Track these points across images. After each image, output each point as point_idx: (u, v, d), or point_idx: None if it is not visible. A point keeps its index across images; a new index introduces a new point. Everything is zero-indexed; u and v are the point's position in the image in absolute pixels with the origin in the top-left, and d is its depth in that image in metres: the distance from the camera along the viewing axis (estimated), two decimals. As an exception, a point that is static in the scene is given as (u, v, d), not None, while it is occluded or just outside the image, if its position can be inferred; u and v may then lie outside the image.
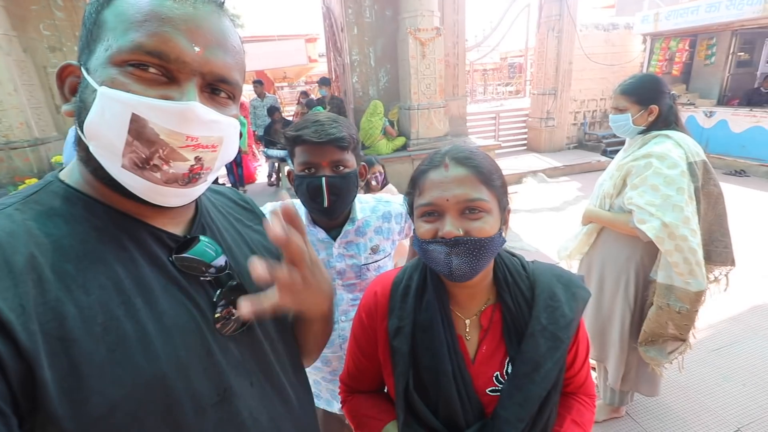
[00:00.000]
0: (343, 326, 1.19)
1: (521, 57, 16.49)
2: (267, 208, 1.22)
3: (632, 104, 1.65)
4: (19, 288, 0.42)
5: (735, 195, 5.28)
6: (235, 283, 0.60)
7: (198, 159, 0.51)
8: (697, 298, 1.56)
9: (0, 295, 0.40)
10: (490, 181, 0.72)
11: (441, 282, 0.82)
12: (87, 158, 0.51)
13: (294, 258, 0.52)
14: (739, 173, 6.52)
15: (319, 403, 1.30)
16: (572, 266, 2.06)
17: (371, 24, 5.85)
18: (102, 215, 0.51)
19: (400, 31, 5.67)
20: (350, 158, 1.08)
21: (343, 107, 6.08)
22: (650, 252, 1.65)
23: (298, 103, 7.64)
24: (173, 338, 0.50)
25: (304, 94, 7.97)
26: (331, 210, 1.08)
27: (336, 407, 1.29)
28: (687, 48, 7.74)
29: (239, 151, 6.44)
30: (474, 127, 8.23)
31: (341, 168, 1.06)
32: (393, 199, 1.27)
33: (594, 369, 2.04)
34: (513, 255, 0.88)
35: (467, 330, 0.82)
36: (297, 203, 1.21)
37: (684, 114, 5.24)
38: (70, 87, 0.52)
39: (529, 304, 0.79)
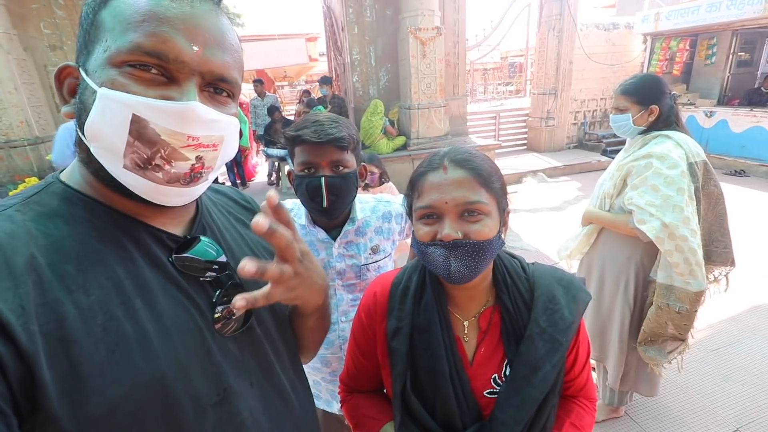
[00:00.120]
0: (343, 327, 1.19)
1: (522, 56, 16.46)
2: (267, 208, 1.22)
3: (633, 104, 1.65)
4: (20, 289, 0.42)
5: (735, 195, 5.28)
6: (235, 282, 0.60)
7: (199, 158, 0.51)
8: (697, 298, 1.56)
9: (0, 296, 0.40)
10: (489, 183, 0.72)
11: (440, 283, 0.82)
12: (88, 159, 0.51)
13: (282, 251, 0.51)
14: (739, 173, 6.52)
15: (319, 404, 1.30)
16: (572, 266, 2.06)
17: (372, 23, 5.85)
18: (102, 216, 0.51)
19: (400, 30, 5.67)
20: (350, 158, 1.08)
21: (344, 106, 6.08)
22: (650, 252, 1.65)
23: (299, 102, 7.63)
24: (172, 338, 0.50)
25: (306, 92, 7.95)
26: (330, 210, 1.08)
27: (336, 408, 1.29)
28: (687, 48, 7.73)
29: (240, 149, 6.45)
30: (474, 127, 8.23)
31: (341, 168, 1.06)
32: (393, 199, 1.27)
33: (593, 369, 2.04)
34: (513, 257, 0.87)
35: (466, 331, 0.82)
36: (297, 203, 1.21)
37: (684, 114, 5.24)
38: (69, 88, 0.52)
39: (528, 306, 0.79)
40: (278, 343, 0.67)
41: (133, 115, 0.46)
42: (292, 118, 7.82)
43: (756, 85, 7.34)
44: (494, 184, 0.73)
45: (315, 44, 14.30)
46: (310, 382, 0.82)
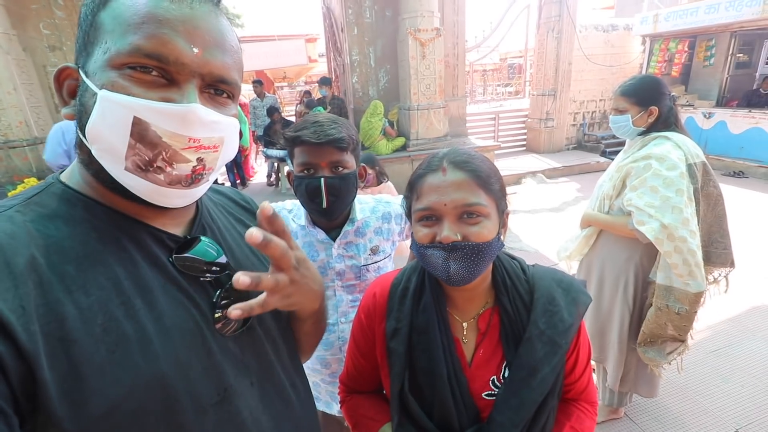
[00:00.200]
0: (343, 328, 1.19)
1: (521, 58, 16.49)
2: (266, 209, 1.22)
3: (632, 105, 1.65)
4: (20, 289, 0.42)
5: (734, 196, 5.29)
6: None
7: (200, 160, 0.51)
8: (696, 299, 1.56)
9: (0, 296, 0.40)
10: (489, 185, 0.72)
11: (439, 284, 0.82)
12: (89, 161, 0.51)
13: (277, 260, 0.51)
14: (738, 174, 6.53)
15: (319, 406, 1.30)
16: (572, 267, 2.06)
17: (371, 24, 5.85)
18: (102, 216, 0.51)
19: (400, 31, 5.68)
20: (349, 159, 1.08)
21: (343, 107, 6.08)
22: (649, 253, 1.66)
23: (300, 103, 7.63)
24: (173, 338, 0.50)
25: (307, 93, 7.95)
26: (329, 211, 1.08)
27: (335, 409, 1.29)
28: (686, 49, 7.76)
29: (240, 149, 6.46)
30: (473, 128, 8.24)
31: (340, 169, 1.06)
32: (393, 200, 1.27)
33: (593, 370, 2.04)
34: (513, 258, 0.87)
35: (464, 333, 0.81)
36: (297, 204, 1.21)
37: (683, 115, 5.25)
38: (69, 90, 0.52)
39: (527, 308, 0.79)
40: (279, 342, 0.67)
41: (134, 117, 0.46)
42: (291, 118, 7.82)
43: (755, 87, 7.37)
44: (493, 186, 0.73)
45: (314, 45, 14.32)
46: (310, 384, 0.82)
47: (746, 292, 3.12)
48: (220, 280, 0.59)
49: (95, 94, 0.46)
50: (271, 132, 6.46)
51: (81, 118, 0.49)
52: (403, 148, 5.92)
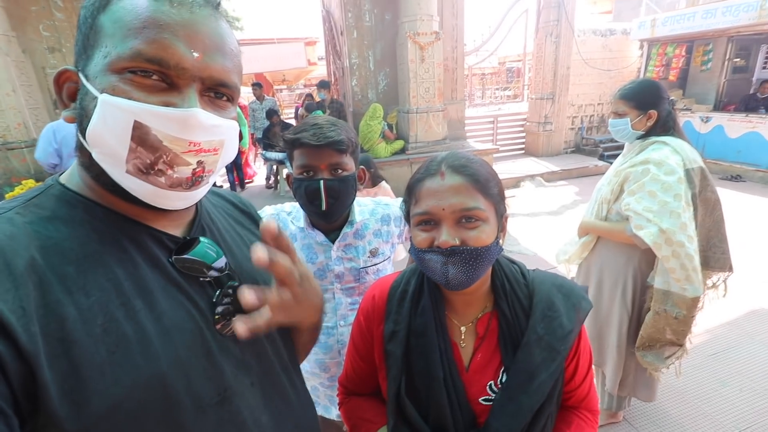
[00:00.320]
0: (342, 331, 1.19)
1: (519, 62, 16.56)
2: (266, 212, 1.22)
3: (631, 109, 1.65)
4: (20, 290, 0.42)
5: (731, 200, 5.31)
6: (235, 283, 0.61)
7: (200, 163, 0.51)
8: (694, 304, 1.56)
9: (1, 298, 0.40)
10: (487, 189, 0.72)
11: (437, 288, 0.82)
12: (89, 164, 0.51)
13: (283, 279, 0.53)
14: (736, 178, 6.56)
15: (317, 410, 1.29)
16: (570, 270, 2.06)
17: (371, 28, 5.87)
18: (102, 218, 0.52)
19: (399, 35, 5.70)
20: (349, 161, 1.08)
21: (342, 110, 6.09)
22: (648, 257, 1.66)
23: (302, 106, 7.62)
24: (173, 339, 0.51)
25: (309, 96, 7.94)
26: (329, 213, 1.08)
27: (334, 413, 1.28)
28: (683, 54, 7.81)
29: (240, 151, 6.47)
30: (472, 131, 8.25)
31: (340, 171, 1.06)
32: (392, 202, 1.27)
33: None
34: (513, 262, 0.86)
35: (462, 337, 0.81)
36: (296, 206, 1.21)
37: (681, 119, 5.26)
38: (68, 92, 0.52)
39: (526, 313, 0.78)
40: (278, 342, 0.67)
41: (135, 121, 0.46)
42: (290, 121, 7.82)
43: (752, 91, 7.41)
44: (492, 190, 0.73)
45: (314, 48, 14.36)
46: (309, 388, 0.82)
47: (745, 295, 3.13)
48: (219, 280, 0.59)
49: (96, 97, 0.46)
50: (270, 134, 6.47)
51: (81, 122, 0.49)
52: (402, 151, 5.92)
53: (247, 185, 7.31)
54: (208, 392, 0.53)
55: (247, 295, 0.48)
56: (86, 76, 0.48)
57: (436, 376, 0.76)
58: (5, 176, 4.83)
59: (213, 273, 0.59)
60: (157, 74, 0.47)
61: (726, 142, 6.90)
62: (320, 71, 13.68)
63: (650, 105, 1.63)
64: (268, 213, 1.22)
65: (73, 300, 0.45)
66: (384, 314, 0.84)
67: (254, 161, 8.38)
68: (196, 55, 0.48)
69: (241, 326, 0.49)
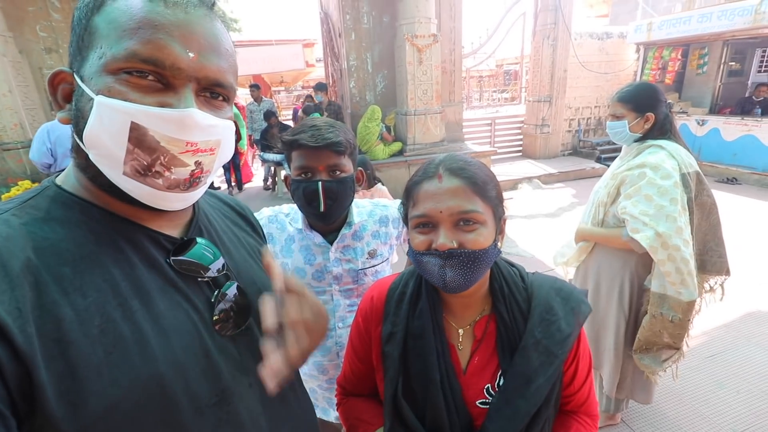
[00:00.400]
0: (340, 333, 1.18)
1: (517, 64, 16.64)
2: (263, 214, 1.22)
3: (629, 111, 1.66)
4: (16, 291, 0.42)
5: (727, 203, 5.34)
6: (233, 284, 0.61)
7: (198, 163, 0.51)
8: (689, 307, 1.57)
9: None
10: (485, 192, 0.71)
11: (435, 290, 0.82)
12: (86, 165, 0.51)
13: (296, 327, 0.55)
14: (731, 181, 6.61)
15: (316, 412, 1.29)
16: (568, 272, 2.06)
17: (369, 30, 5.88)
18: (99, 219, 0.51)
19: (397, 37, 5.71)
20: (347, 163, 1.08)
21: (340, 112, 6.09)
22: (645, 261, 1.66)
23: (300, 108, 7.60)
24: (170, 339, 0.50)
25: (309, 97, 7.93)
26: (327, 214, 1.07)
27: (332, 416, 1.27)
28: (679, 57, 7.86)
29: (238, 152, 6.46)
30: (470, 133, 8.28)
31: (338, 172, 1.06)
32: (390, 204, 1.27)
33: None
34: (512, 265, 0.86)
35: (460, 340, 0.81)
36: (294, 207, 1.20)
37: (677, 122, 5.31)
38: (63, 94, 0.51)
39: (524, 316, 0.78)
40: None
41: (132, 122, 0.46)
42: (288, 122, 7.81)
43: (747, 94, 7.47)
44: (490, 193, 0.72)
45: (312, 50, 14.38)
46: (307, 390, 0.82)
47: (741, 298, 3.14)
48: (217, 280, 0.59)
49: (92, 99, 0.46)
50: (268, 136, 6.46)
51: (78, 123, 0.49)
52: (400, 153, 5.93)
53: (245, 186, 7.30)
54: (206, 393, 0.52)
55: (273, 361, 0.51)
56: (81, 78, 0.48)
57: (432, 379, 0.76)
58: (1, 177, 4.80)
59: (210, 274, 0.58)
60: (152, 75, 0.47)
61: (722, 145, 6.95)
62: (318, 73, 13.69)
63: (648, 108, 1.63)
64: (266, 215, 1.22)
65: (70, 301, 0.45)
66: (382, 315, 0.84)
67: (252, 162, 8.36)
68: (191, 55, 0.48)
69: (270, 381, 0.51)
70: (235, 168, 6.79)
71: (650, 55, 8.05)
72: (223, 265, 0.61)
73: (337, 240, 1.15)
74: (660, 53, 7.90)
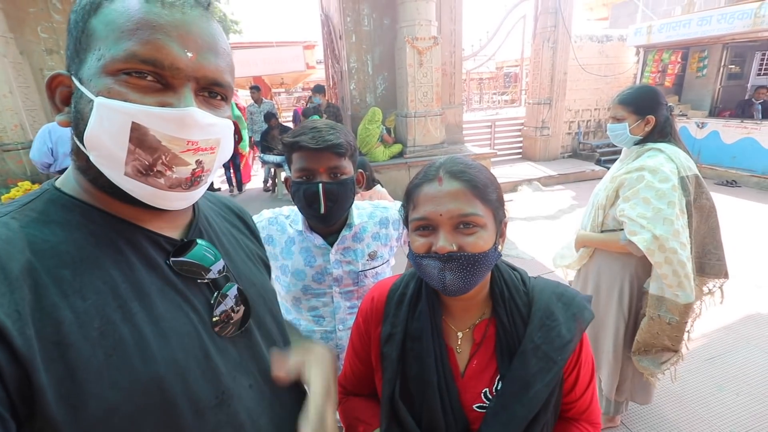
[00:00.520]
0: (341, 335, 1.18)
1: (517, 67, 16.67)
2: (263, 215, 1.22)
3: (630, 114, 1.67)
4: (15, 294, 0.42)
5: (726, 205, 5.35)
6: (233, 285, 0.61)
7: (199, 162, 0.52)
8: (686, 310, 1.57)
9: None
10: (485, 195, 0.71)
11: (435, 293, 0.81)
12: (86, 167, 0.51)
13: None
14: (731, 183, 6.61)
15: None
16: (568, 274, 2.07)
17: (369, 32, 5.90)
18: (99, 221, 0.51)
19: (397, 39, 5.73)
20: (347, 165, 1.08)
21: (339, 115, 6.09)
22: (644, 263, 1.66)
23: (301, 110, 7.59)
24: (170, 341, 0.50)
25: (311, 99, 7.93)
26: (327, 216, 1.08)
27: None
28: (679, 60, 7.88)
29: (238, 153, 6.46)
30: (470, 135, 8.28)
31: (338, 175, 1.06)
32: (391, 206, 1.28)
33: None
34: (514, 269, 0.86)
35: (459, 343, 0.80)
36: (294, 209, 1.21)
37: (677, 125, 5.33)
38: (62, 97, 0.52)
39: (524, 320, 0.77)
40: (278, 345, 0.67)
41: (133, 123, 0.46)
42: (288, 124, 7.81)
43: (746, 97, 7.49)
44: (490, 196, 0.72)
45: (312, 52, 14.39)
46: (306, 391, 0.82)
47: (740, 300, 3.14)
48: (217, 282, 0.59)
49: (91, 101, 0.46)
50: (269, 137, 6.46)
51: (77, 125, 0.49)
52: (400, 155, 5.94)
53: (245, 188, 7.30)
54: (206, 394, 0.52)
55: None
56: (80, 80, 0.48)
57: (430, 381, 0.75)
58: (1, 178, 4.80)
59: (211, 275, 0.58)
60: (151, 75, 0.47)
61: (721, 148, 6.96)
62: (319, 75, 13.72)
63: (648, 110, 1.64)
64: (265, 217, 1.22)
65: (69, 303, 0.45)
66: (382, 316, 0.84)
67: (252, 163, 8.36)
68: (189, 55, 0.48)
69: None
70: (235, 169, 6.80)
71: (650, 58, 8.07)
72: (224, 267, 0.61)
73: (337, 242, 1.15)
74: (660, 56, 7.92)
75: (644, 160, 1.61)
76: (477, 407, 0.76)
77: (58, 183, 0.54)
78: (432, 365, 0.76)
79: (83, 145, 0.49)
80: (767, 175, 6.29)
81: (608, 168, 1.90)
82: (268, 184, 7.08)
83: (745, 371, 2.42)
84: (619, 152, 1.84)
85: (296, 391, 0.68)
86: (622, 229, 1.61)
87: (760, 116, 6.74)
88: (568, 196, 6.45)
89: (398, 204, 1.03)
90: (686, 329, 1.65)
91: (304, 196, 1.05)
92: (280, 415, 0.63)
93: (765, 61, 8.05)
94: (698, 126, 7.30)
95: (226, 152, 0.57)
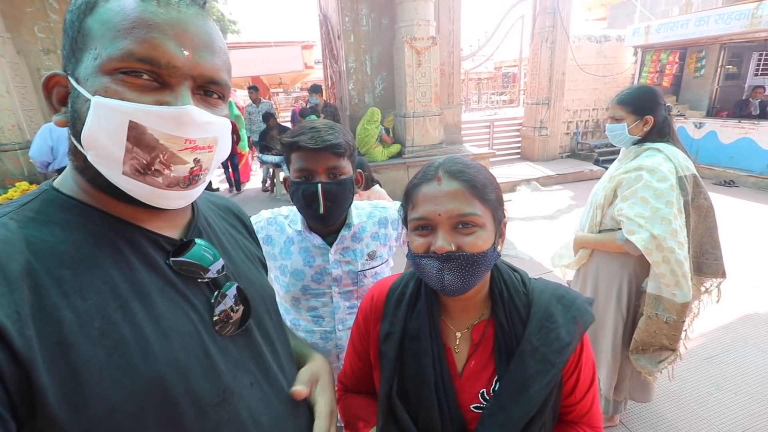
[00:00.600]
0: (340, 335, 1.18)
1: (515, 67, 16.70)
2: (262, 216, 1.22)
3: (628, 114, 1.67)
4: (15, 294, 0.42)
5: (724, 205, 5.37)
6: (233, 284, 0.61)
7: (197, 161, 0.52)
8: (683, 309, 1.58)
9: None
10: (484, 195, 0.71)
11: (434, 292, 0.81)
12: (84, 167, 0.51)
13: None
14: (728, 183, 6.63)
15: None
16: (566, 273, 2.07)
17: (368, 32, 5.90)
18: (98, 221, 0.51)
19: (396, 39, 5.72)
20: (346, 165, 1.08)
21: (337, 115, 6.08)
22: (643, 263, 1.67)
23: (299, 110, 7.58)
24: (171, 340, 0.51)
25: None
26: (326, 216, 1.07)
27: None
28: (677, 60, 7.91)
29: (237, 153, 6.46)
30: (468, 135, 8.30)
31: (337, 175, 1.06)
32: (390, 206, 1.28)
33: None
34: (515, 270, 0.85)
35: (457, 343, 0.80)
36: (293, 209, 1.20)
37: (675, 125, 5.35)
38: (58, 97, 0.51)
39: (523, 322, 0.76)
40: (276, 344, 0.67)
41: (131, 121, 0.46)
42: (287, 124, 7.81)
43: (744, 97, 7.52)
44: (489, 196, 0.72)
45: (311, 52, 14.38)
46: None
47: (738, 300, 3.15)
48: (217, 281, 0.60)
49: (88, 100, 0.46)
50: (267, 137, 6.46)
51: (75, 125, 0.49)
52: (399, 155, 5.94)
53: (244, 188, 7.29)
54: (207, 393, 0.53)
55: None
56: (76, 80, 0.48)
57: (427, 380, 0.75)
58: (-2, 178, 4.79)
59: (210, 275, 0.59)
60: (148, 74, 0.47)
61: (719, 148, 6.98)
62: (317, 75, 13.70)
63: (647, 110, 1.64)
64: (264, 217, 1.22)
65: (70, 303, 0.45)
66: (381, 315, 0.85)
67: (251, 163, 8.36)
68: (186, 53, 0.48)
69: None
70: (233, 169, 6.79)
71: (648, 58, 8.09)
72: (223, 266, 0.61)
73: (336, 242, 1.15)
74: (658, 56, 7.95)
75: (642, 160, 1.61)
76: (474, 408, 0.76)
77: (56, 183, 0.54)
78: (429, 364, 0.76)
79: (81, 144, 0.49)
80: (765, 175, 6.31)
81: (606, 168, 1.90)
82: (266, 184, 7.08)
83: (743, 370, 2.43)
84: (617, 152, 1.85)
85: None
86: (620, 229, 1.62)
87: (758, 111, 6.76)
88: (567, 196, 6.46)
89: (397, 204, 1.03)
90: (684, 328, 1.66)
91: (303, 196, 1.05)
92: (282, 414, 0.63)
93: (762, 61, 8.08)
94: (696, 126, 7.32)
95: (224, 151, 0.57)
